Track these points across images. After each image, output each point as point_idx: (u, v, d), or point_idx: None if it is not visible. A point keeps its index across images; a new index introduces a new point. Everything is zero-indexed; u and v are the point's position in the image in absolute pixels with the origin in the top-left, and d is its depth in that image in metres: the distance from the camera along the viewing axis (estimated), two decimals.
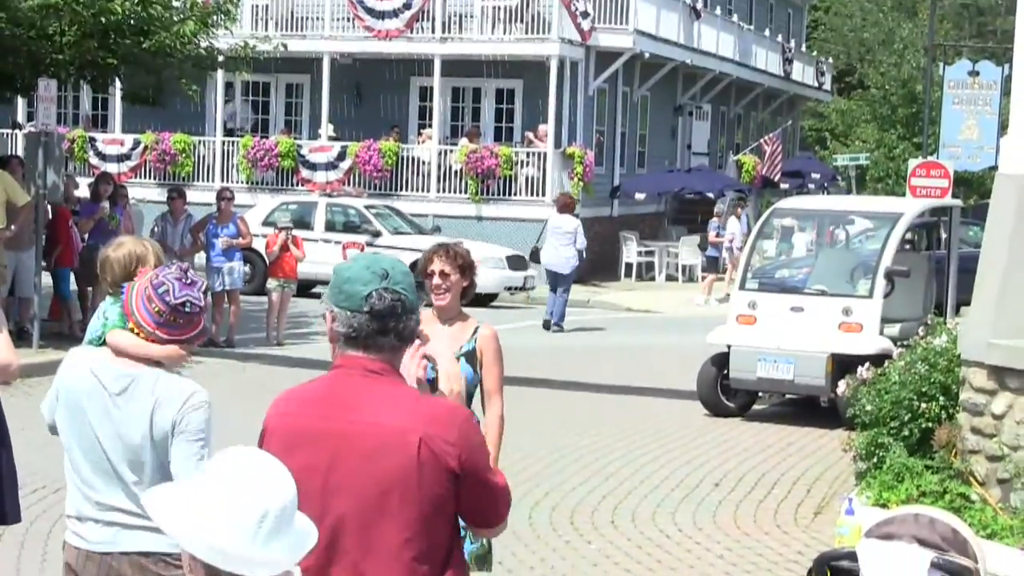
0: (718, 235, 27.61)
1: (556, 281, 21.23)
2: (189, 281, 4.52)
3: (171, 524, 2.51)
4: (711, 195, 32.39)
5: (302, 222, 24.02)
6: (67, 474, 4.72)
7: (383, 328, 3.41)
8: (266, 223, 23.34)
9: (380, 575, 3.40)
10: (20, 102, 26.78)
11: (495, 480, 3.56)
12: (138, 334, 4.55)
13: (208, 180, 30.23)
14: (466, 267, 6.10)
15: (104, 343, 4.80)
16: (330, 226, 25.54)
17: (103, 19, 16.84)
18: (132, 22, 17.31)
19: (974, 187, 41.45)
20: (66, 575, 4.69)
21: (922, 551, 2.76)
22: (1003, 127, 21.71)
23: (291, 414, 3.51)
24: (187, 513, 2.50)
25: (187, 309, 4.51)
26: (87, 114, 33.54)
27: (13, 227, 15.13)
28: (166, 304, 4.49)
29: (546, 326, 21.17)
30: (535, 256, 23.06)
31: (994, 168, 21.51)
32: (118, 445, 4.52)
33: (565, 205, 21.74)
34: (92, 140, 31.36)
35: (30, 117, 26.42)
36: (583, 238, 21.47)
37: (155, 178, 30.65)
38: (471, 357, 6.05)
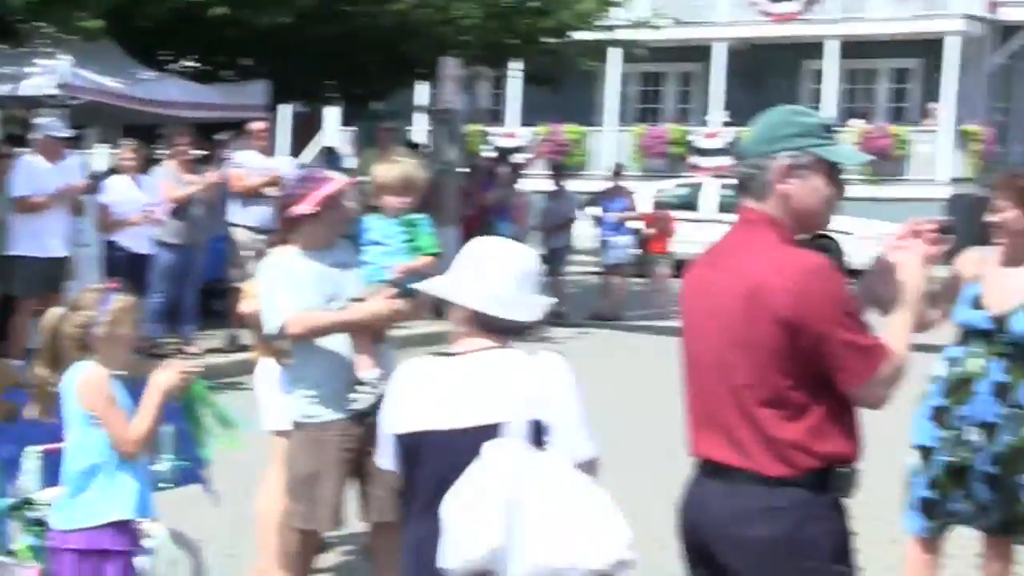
0: None
1: None
2: None
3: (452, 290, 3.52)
4: None
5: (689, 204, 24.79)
6: None
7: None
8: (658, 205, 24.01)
9: (725, 414, 3.43)
10: (418, 89, 26.15)
11: (846, 336, 3.31)
12: None
13: (596, 169, 31.03)
14: None
15: None
16: (724, 208, 25.95)
17: (506, 0, 17.20)
18: (535, 2, 17.67)
19: None
20: None
21: None
22: None
23: (697, 263, 3.68)
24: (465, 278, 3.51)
25: None
26: (481, 109, 34.61)
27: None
28: None
29: None
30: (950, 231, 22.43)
31: None
32: None
33: None
34: (486, 134, 32.28)
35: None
36: None
37: (544, 169, 31.57)
38: None
